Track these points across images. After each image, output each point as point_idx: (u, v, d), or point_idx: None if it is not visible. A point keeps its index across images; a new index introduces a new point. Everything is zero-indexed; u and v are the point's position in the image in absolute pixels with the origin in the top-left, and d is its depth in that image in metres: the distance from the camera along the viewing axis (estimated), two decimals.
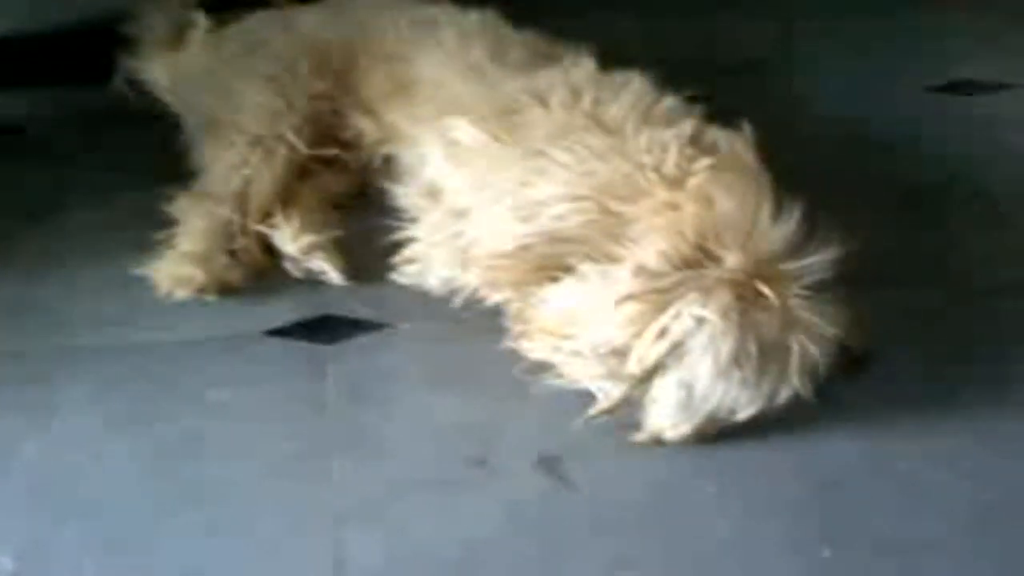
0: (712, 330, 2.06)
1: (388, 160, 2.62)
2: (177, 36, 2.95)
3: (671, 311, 2.09)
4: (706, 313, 2.06)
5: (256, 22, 2.90)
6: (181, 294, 2.42)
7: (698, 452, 2.10)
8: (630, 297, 2.11)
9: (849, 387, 2.17)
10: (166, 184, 2.57)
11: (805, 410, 2.12)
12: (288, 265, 2.49)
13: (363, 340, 2.34)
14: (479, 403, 2.20)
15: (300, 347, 2.32)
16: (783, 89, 3.04)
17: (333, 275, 2.47)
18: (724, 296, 2.08)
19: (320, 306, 2.42)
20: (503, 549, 1.95)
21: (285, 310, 2.41)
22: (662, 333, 2.09)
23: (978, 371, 2.26)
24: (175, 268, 2.45)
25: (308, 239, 2.49)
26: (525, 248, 2.27)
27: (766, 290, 2.08)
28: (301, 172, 2.64)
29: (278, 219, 2.53)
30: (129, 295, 2.42)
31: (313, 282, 2.47)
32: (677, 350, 2.08)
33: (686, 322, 2.08)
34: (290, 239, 2.50)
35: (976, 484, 2.06)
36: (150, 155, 2.73)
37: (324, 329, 2.36)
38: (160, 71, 2.92)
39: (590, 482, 2.06)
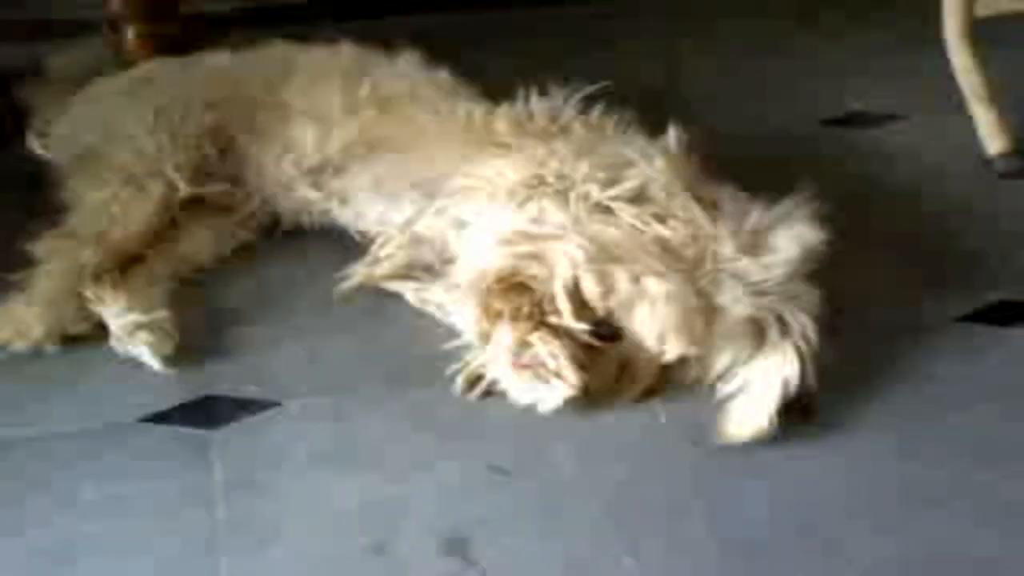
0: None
1: None
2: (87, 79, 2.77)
3: None
4: None
5: (159, 63, 2.76)
6: (18, 346, 2.25)
7: (619, 529, 1.96)
8: None
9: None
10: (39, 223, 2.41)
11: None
12: (114, 343, 2.28)
13: (250, 421, 2.16)
14: (378, 483, 2.04)
15: (181, 433, 2.13)
16: None
17: (153, 362, 2.25)
18: None
19: (201, 386, 2.23)
20: None
21: (162, 391, 2.21)
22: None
23: None
24: (17, 315, 2.26)
25: (133, 317, 2.27)
26: None
27: None
28: (188, 209, 2.49)
29: (105, 290, 2.31)
30: None
31: (192, 358, 2.28)
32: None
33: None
34: (114, 315, 2.28)
35: None
36: (27, 192, 2.56)
37: (206, 411, 2.18)
38: (52, 111, 2.72)
39: (501, 564, 1.91)
